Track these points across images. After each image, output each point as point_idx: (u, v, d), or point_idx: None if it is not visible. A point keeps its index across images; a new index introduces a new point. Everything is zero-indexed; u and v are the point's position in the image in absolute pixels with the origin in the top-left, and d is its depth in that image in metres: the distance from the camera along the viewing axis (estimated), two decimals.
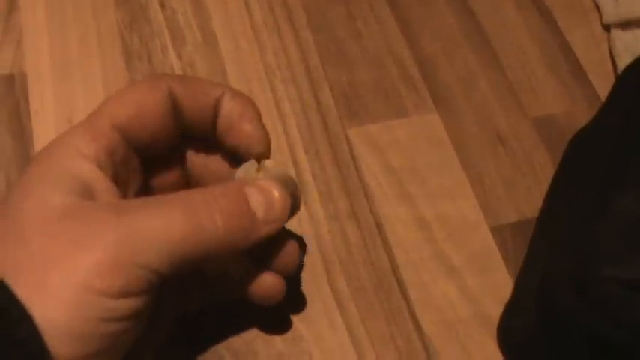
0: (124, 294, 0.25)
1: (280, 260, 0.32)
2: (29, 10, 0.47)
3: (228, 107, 0.32)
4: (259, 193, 0.29)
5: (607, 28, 0.51)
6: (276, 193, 0.30)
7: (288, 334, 0.38)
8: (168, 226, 0.26)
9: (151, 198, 0.28)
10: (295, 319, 0.38)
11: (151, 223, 0.26)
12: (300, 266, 0.39)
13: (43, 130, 0.43)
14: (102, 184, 0.28)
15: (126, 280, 0.25)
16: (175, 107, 0.31)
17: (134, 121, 0.29)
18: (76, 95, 0.44)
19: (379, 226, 0.41)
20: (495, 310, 0.39)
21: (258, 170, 0.31)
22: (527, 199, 0.43)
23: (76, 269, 0.25)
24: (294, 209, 0.32)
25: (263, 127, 0.33)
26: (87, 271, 0.25)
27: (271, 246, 0.32)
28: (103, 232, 0.26)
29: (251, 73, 0.46)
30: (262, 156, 0.33)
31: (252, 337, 0.38)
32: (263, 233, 0.29)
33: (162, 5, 0.48)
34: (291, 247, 0.32)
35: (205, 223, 0.27)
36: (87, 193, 0.27)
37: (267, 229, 0.29)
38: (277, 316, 0.38)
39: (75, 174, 0.28)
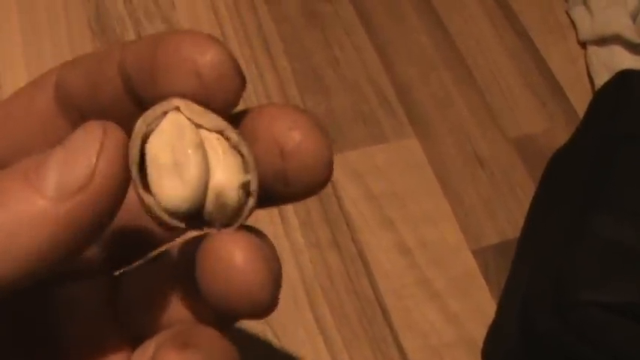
0: None
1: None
2: (5, 45, 0.47)
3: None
4: (53, 152, 0.16)
5: (583, 44, 0.52)
6: (76, 137, 0.16)
7: None
8: None
9: None
10: (278, 348, 0.38)
11: None
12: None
13: None
14: None
15: None
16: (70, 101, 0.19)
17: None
18: None
19: (361, 254, 0.41)
20: (480, 334, 0.39)
21: (164, 114, 0.17)
22: (509, 220, 0.43)
23: None
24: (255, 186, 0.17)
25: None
26: None
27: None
28: None
29: None
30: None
31: None
32: (59, 216, 0.15)
33: (138, 37, 0.48)
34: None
35: None
36: None
37: (66, 207, 0.15)
38: (259, 346, 0.38)
39: None
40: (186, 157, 0.16)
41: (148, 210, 0.16)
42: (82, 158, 0.16)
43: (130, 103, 0.18)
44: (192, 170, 0.16)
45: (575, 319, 0.32)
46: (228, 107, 0.17)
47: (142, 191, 0.16)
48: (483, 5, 0.52)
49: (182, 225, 0.17)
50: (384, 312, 0.40)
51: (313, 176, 0.17)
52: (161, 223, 0.17)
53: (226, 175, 0.16)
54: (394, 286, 0.40)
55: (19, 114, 0.20)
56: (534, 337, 0.34)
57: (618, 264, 0.32)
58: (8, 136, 0.20)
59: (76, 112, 0.19)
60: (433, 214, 0.43)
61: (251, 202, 0.17)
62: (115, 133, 0.16)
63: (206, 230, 0.17)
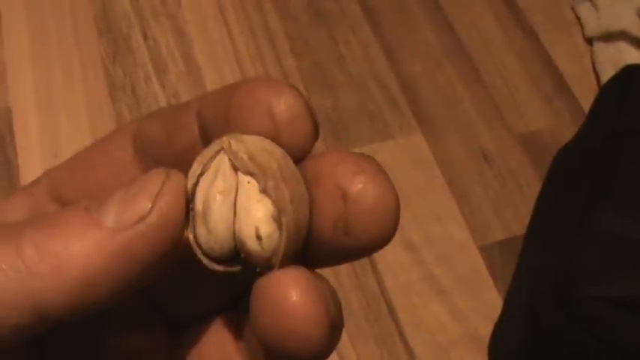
0: None
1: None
2: (12, 43, 0.47)
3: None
4: (116, 191, 0.17)
5: (589, 41, 0.51)
6: (139, 181, 0.16)
7: None
8: None
9: None
10: None
11: None
12: None
13: (29, 166, 0.43)
14: None
15: None
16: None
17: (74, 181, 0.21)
18: (61, 129, 0.44)
19: None
20: (486, 330, 0.39)
21: (217, 154, 0.16)
22: (515, 217, 0.43)
23: None
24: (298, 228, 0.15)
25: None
26: None
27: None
28: None
29: None
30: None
31: None
32: (115, 246, 0.16)
33: (144, 36, 0.48)
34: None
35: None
36: None
37: (123, 238, 0.16)
38: None
39: None
40: (210, 207, 0.16)
41: (191, 253, 0.16)
42: (143, 195, 0.16)
43: None
44: (213, 220, 0.16)
45: (580, 314, 0.32)
46: (299, 151, 0.16)
47: (188, 232, 0.16)
48: (489, 2, 0.52)
49: (220, 268, 0.16)
50: (390, 308, 0.40)
51: (377, 224, 0.15)
52: (201, 265, 0.16)
53: (246, 224, 0.16)
54: (400, 283, 0.40)
55: (95, 161, 0.20)
56: (540, 332, 0.34)
57: (624, 258, 0.32)
58: (83, 182, 0.20)
59: (152, 161, 0.19)
60: (439, 210, 0.43)
61: (281, 248, 0.15)
62: (177, 177, 0.16)
63: (256, 278, 0.16)
